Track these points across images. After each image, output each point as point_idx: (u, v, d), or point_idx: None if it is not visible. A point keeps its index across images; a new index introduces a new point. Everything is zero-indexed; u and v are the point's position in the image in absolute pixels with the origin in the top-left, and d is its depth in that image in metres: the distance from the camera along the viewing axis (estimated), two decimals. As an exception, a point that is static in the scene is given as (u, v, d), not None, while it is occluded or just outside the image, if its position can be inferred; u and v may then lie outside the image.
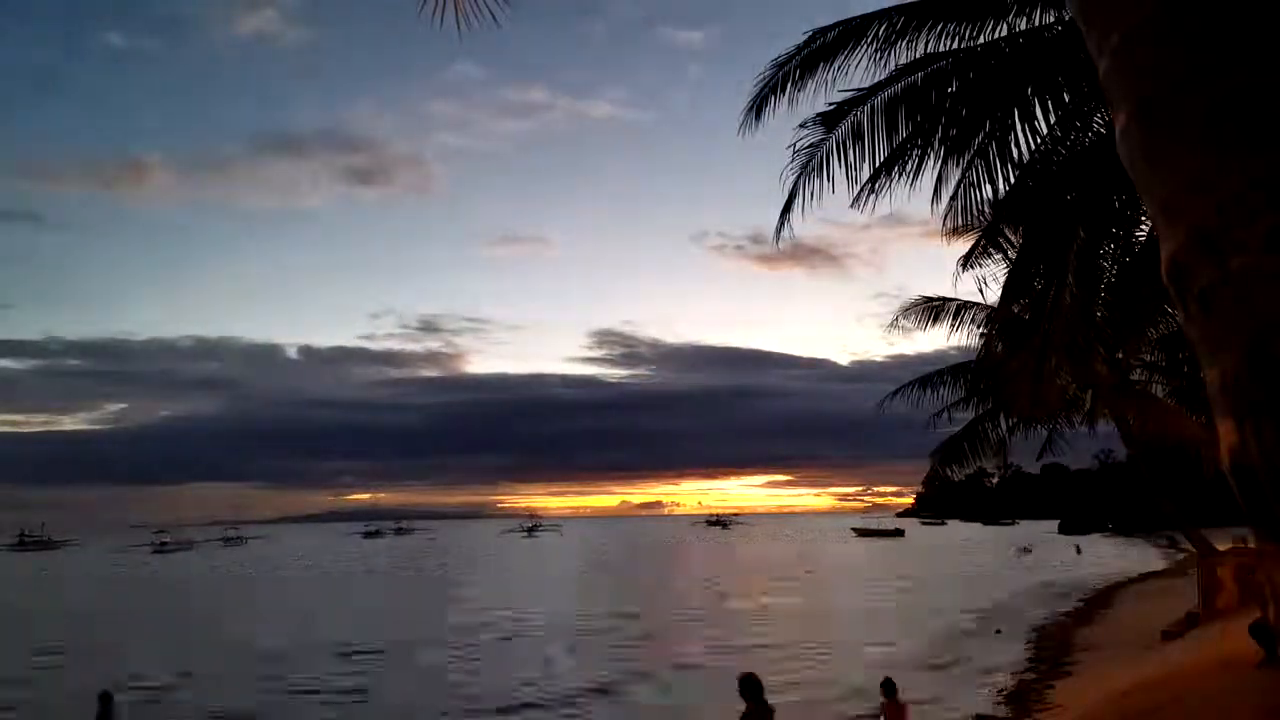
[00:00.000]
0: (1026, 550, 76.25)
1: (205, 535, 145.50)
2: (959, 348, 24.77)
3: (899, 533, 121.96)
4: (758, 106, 11.26)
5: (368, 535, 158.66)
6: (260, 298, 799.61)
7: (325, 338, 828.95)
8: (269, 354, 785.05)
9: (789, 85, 11.07)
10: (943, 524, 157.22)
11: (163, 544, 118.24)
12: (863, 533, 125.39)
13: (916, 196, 11.38)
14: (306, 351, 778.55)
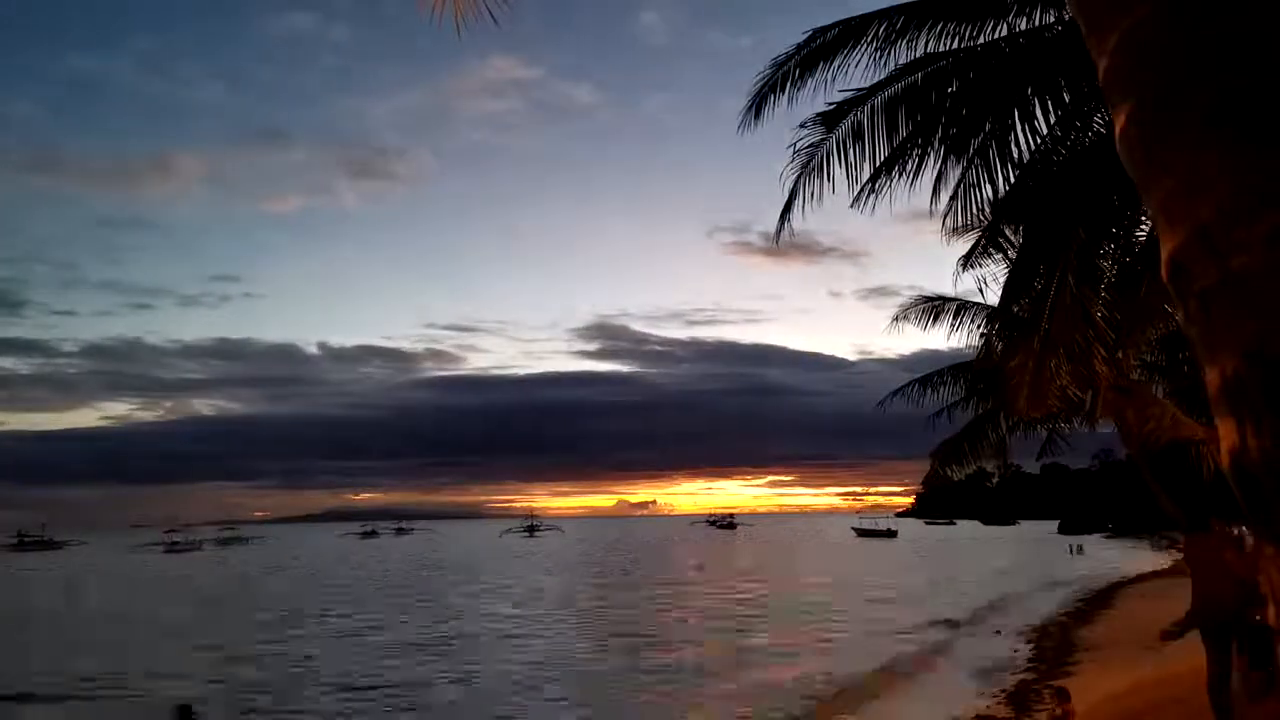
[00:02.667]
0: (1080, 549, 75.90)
1: (203, 535, 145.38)
2: (968, 346, 24.71)
3: (892, 533, 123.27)
4: (757, 105, 11.28)
5: (367, 535, 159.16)
6: (280, 298, 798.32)
7: (343, 336, 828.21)
8: (288, 353, 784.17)
9: (788, 84, 11.08)
10: (952, 524, 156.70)
11: (174, 544, 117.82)
12: (862, 533, 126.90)
13: (917, 196, 11.40)
14: (325, 349, 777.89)
